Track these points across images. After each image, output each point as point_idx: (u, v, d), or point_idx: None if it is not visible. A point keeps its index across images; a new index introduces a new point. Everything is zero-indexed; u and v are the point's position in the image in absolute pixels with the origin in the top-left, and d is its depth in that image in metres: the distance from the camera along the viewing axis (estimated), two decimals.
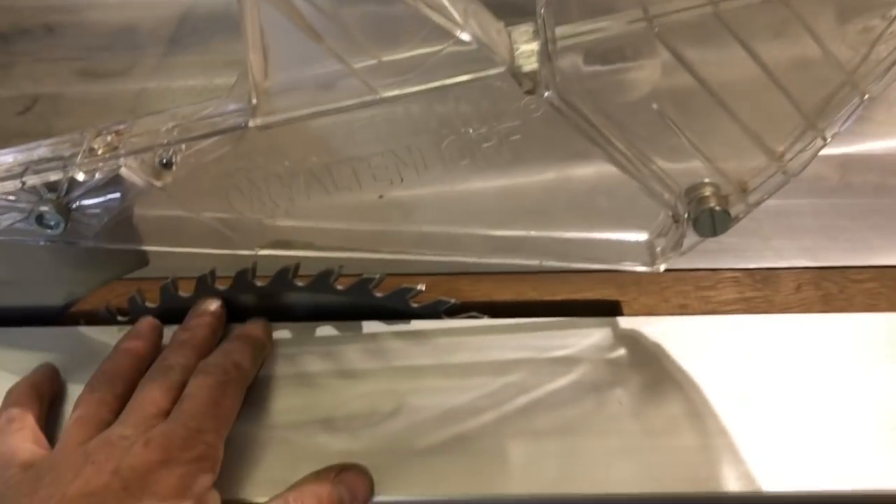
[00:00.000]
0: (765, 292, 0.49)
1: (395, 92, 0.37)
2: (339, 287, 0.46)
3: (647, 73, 0.39)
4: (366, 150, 0.40)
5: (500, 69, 0.36)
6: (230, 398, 0.39)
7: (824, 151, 0.60)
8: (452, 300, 0.47)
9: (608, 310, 0.48)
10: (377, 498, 0.39)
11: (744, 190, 0.42)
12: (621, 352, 0.45)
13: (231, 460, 0.39)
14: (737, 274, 0.50)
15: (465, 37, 0.35)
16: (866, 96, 0.39)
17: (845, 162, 0.58)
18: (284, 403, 0.43)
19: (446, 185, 0.42)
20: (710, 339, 0.45)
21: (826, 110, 0.40)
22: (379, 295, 0.47)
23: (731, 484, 0.39)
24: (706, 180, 0.42)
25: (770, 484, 0.39)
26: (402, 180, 0.41)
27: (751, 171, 0.42)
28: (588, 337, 0.46)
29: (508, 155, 0.41)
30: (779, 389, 0.43)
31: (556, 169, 0.44)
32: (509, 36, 0.38)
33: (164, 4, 0.78)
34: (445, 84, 0.37)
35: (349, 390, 0.44)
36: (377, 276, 0.46)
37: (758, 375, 0.43)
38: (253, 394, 0.43)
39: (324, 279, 0.46)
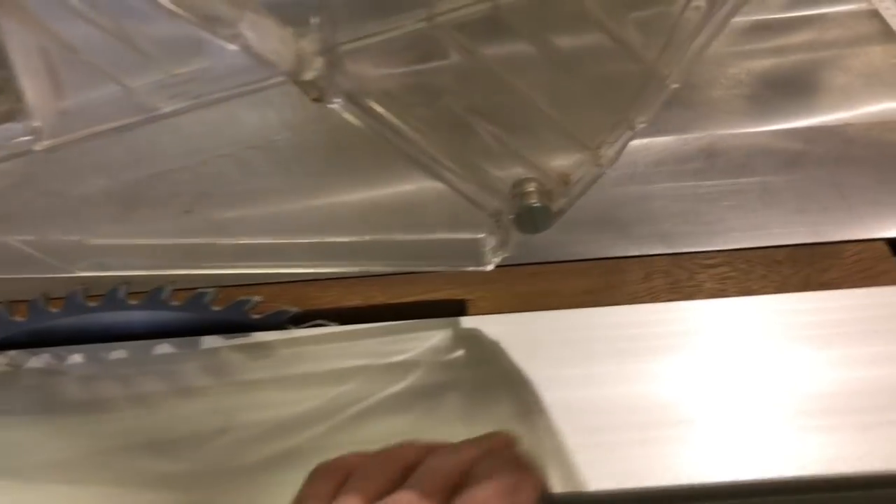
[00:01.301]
0: (612, 282, 0.48)
1: (176, 105, 0.36)
2: (175, 303, 0.45)
3: (449, 76, 0.38)
4: (170, 165, 0.39)
5: (279, 78, 0.35)
6: None
7: (688, 135, 0.60)
8: (294, 309, 0.47)
9: (455, 310, 0.47)
10: None
11: (566, 183, 0.42)
12: (459, 353, 0.44)
13: (52, 487, 0.39)
14: (587, 265, 0.49)
15: (232, 48, 0.34)
16: (667, 84, 0.38)
17: (712, 143, 0.58)
18: (113, 427, 0.42)
19: (265, 196, 0.41)
20: (549, 335, 0.45)
21: (635, 101, 0.39)
22: (216, 309, 0.46)
23: (554, 483, 0.38)
24: (528, 177, 0.41)
25: (594, 482, 0.39)
26: (209, 194, 0.40)
27: (571, 165, 0.41)
28: (428, 340, 0.45)
29: (319, 164, 0.40)
30: (612, 382, 0.42)
31: (383, 174, 0.43)
32: (296, 43, 0.37)
33: None
34: (228, 95, 0.36)
35: (181, 409, 0.43)
36: (210, 290, 0.45)
37: (593, 369, 0.43)
38: (82, 418, 0.42)
39: (156, 296, 0.45)
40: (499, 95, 0.39)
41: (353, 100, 0.36)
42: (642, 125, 0.39)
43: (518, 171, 0.41)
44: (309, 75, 0.36)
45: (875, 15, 0.69)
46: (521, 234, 0.42)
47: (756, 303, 0.46)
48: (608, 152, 0.40)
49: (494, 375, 0.43)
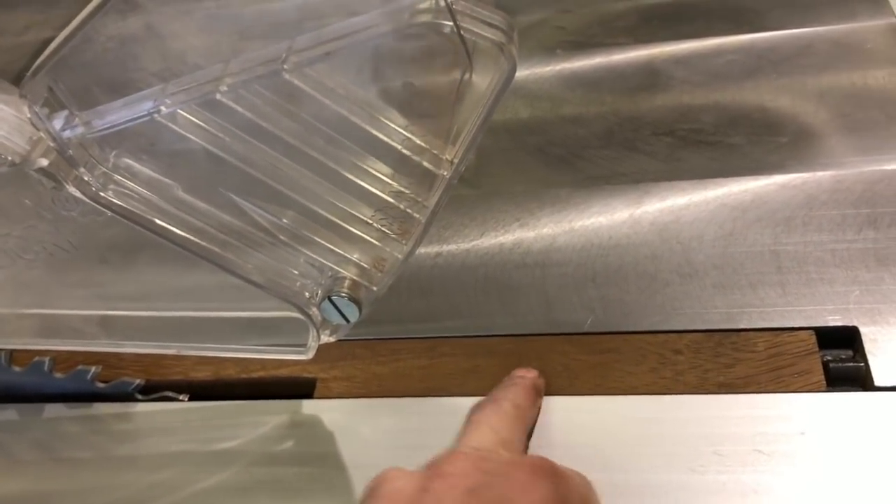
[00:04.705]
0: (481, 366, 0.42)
1: None
2: (17, 368, 0.44)
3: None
4: None
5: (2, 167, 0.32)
6: None
7: None
8: (137, 380, 0.44)
9: (304, 388, 0.43)
10: None
11: (380, 270, 0.36)
12: (287, 445, 0.40)
13: None
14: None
15: None
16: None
17: None
18: None
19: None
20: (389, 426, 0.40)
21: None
22: (59, 376, 0.44)
23: None
24: (336, 268, 0.36)
25: None
26: None
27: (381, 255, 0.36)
28: (262, 426, 0.41)
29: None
30: None
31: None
32: (36, 127, 0.33)
33: None
34: None
35: None
36: (48, 358, 0.43)
37: None
38: None
39: None
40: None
41: (99, 188, 0.32)
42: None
43: (328, 258, 0.36)
44: (41, 162, 0.32)
45: None
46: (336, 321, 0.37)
47: None
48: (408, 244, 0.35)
49: (321, 475, 0.39)
